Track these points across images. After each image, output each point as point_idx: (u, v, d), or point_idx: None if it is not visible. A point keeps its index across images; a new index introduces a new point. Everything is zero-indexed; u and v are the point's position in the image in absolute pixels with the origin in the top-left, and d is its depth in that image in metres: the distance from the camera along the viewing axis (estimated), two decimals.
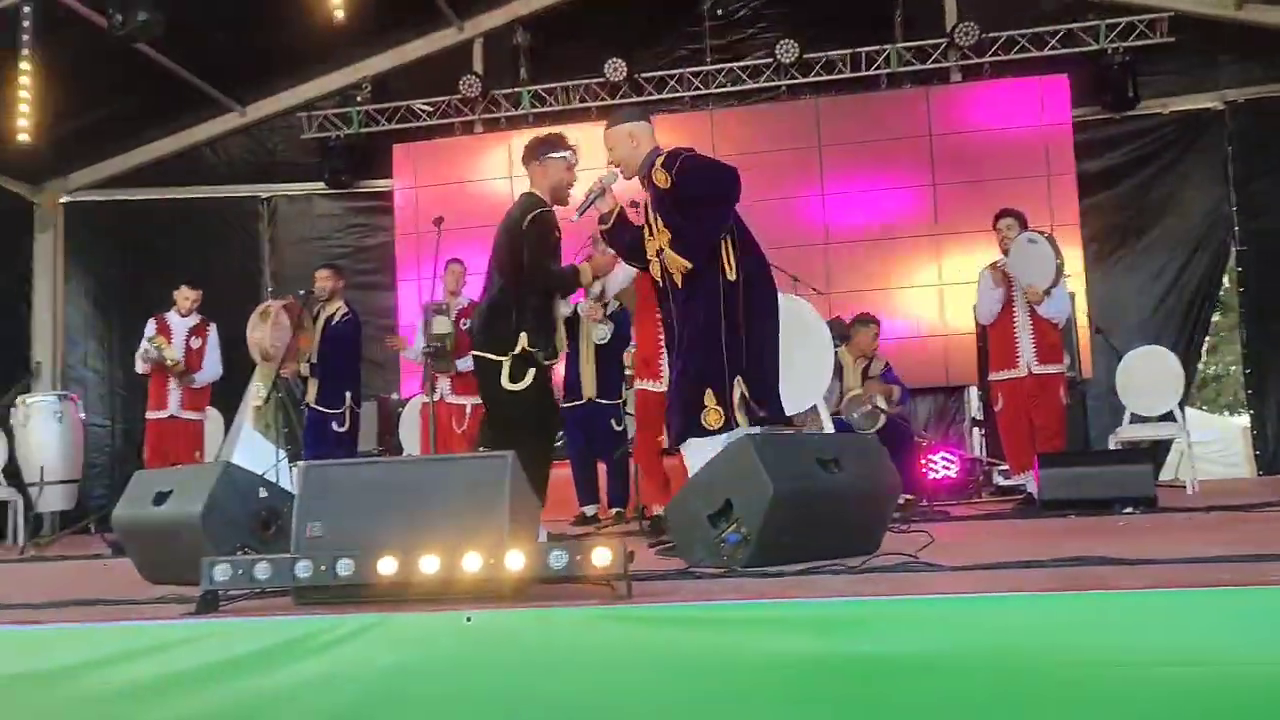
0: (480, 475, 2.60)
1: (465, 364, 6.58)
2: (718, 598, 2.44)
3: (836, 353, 5.09)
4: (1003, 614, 2.23)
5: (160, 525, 3.22)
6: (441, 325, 5.92)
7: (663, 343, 4.77)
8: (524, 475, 2.68)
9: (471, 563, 2.41)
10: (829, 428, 4.54)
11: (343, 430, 6.52)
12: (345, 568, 2.44)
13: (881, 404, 5.70)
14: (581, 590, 2.54)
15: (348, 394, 6.62)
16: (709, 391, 3.62)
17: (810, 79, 9.22)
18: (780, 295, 3.88)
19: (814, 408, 4.47)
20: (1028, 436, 5.89)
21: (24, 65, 7.24)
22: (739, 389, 3.62)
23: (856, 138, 9.11)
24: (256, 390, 9.24)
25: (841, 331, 5.80)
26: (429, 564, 2.43)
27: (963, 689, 2.14)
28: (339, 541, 2.55)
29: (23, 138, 7.43)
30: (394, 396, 8.90)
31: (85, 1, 7.55)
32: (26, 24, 7.02)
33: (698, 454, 3.53)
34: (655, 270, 3.90)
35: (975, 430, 7.88)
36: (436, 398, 6.88)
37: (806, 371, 4.50)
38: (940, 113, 9.02)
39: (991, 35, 8.88)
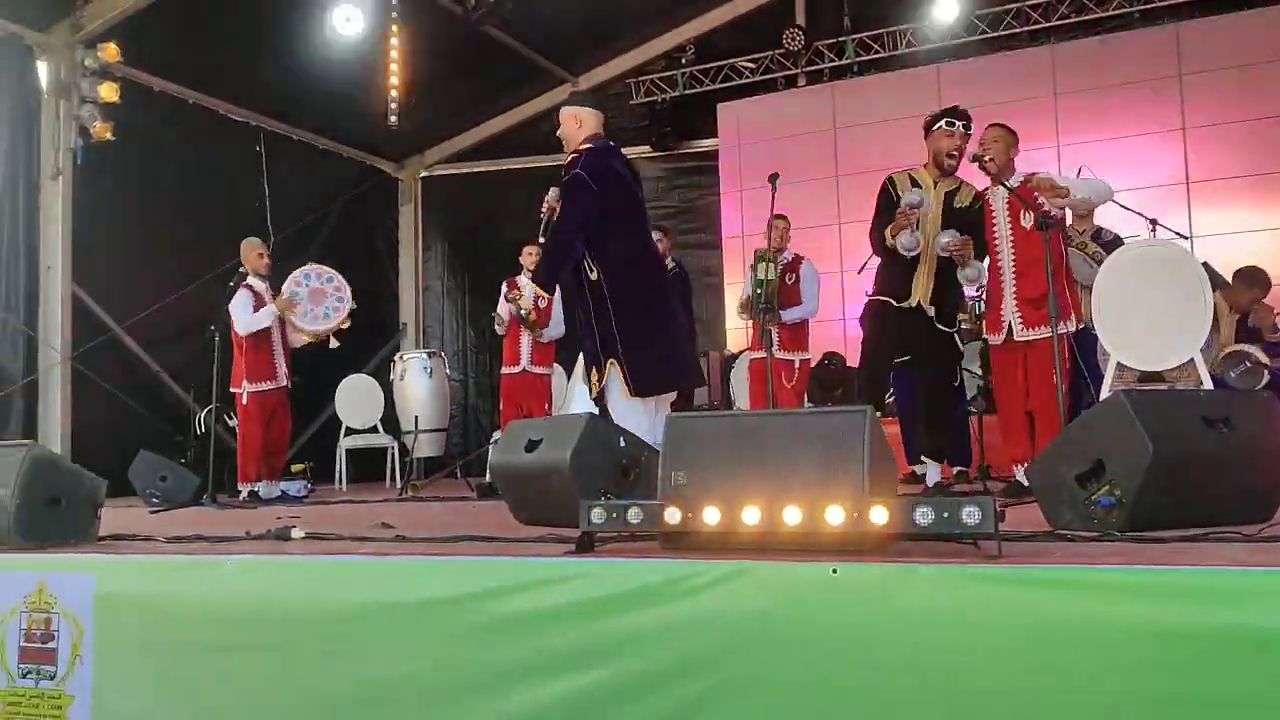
0: (839, 429, 2.59)
1: (790, 315, 6.60)
2: (1096, 561, 2.30)
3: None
4: None
5: (532, 470, 3.48)
6: (766, 271, 5.96)
7: (1004, 295, 4.73)
8: (882, 429, 2.64)
9: (834, 515, 2.42)
10: (1208, 384, 4.12)
11: None
12: (711, 515, 2.52)
13: (1262, 358, 5.11)
14: (945, 548, 2.48)
15: None
16: (593, 370, 4.38)
17: (1168, 1, 8.34)
18: (1152, 240, 3.62)
19: (1190, 362, 4.07)
20: None
21: (393, 55, 7.98)
22: (613, 370, 4.28)
23: (1223, 63, 8.15)
24: None
25: (1213, 276, 5.25)
26: (792, 515, 2.46)
27: None
28: (701, 490, 2.63)
29: (392, 120, 8.21)
30: (728, 352, 9.09)
31: None
32: (394, 14, 7.72)
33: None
34: None
35: None
36: (764, 354, 6.99)
37: (1179, 322, 4.08)
38: None
39: None
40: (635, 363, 4.29)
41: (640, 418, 4.21)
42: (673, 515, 2.57)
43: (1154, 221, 6.40)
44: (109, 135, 7.52)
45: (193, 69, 8.46)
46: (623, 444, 3.45)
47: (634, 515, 2.61)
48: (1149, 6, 8.42)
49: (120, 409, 7.77)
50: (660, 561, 2.50)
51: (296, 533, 3.41)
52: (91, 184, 7.75)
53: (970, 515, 2.31)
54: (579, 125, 4.56)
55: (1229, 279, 6.06)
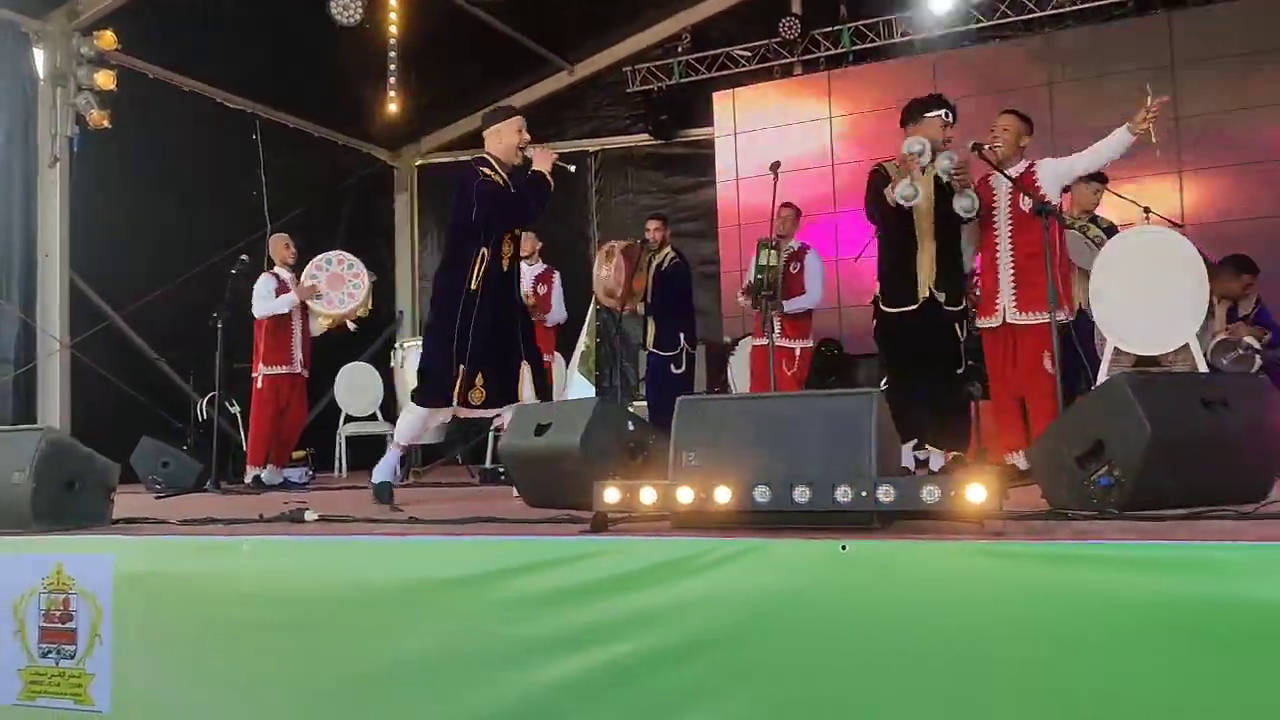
0: (848, 410, 2.65)
1: (792, 305, 6.66)
2: (1099, 537, 2.37)
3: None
4: None
5: (543, 453, 3.54)
6: (768, 258, 6.04)
7: (999, 279, 4.80)
8: (888, 412, 2.70)
9: (843, 494, 2.49)
10: (1202, 369, 4.21)
11: (680, 372, 6.82)
12: (723, 495, 2.58)
13: (1254, 344, 5.20)
14: (951, 526, 2.55)
15: (681, 336, 6.90)
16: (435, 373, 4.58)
17: None
18: (1147, 228, 3.72)
19: (1185, 346, 4.15)
20: None
21: (391, 43, 7.99)
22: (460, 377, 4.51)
23: (1217, 53, 8.22)
24: (582, 339, 9.78)
25: (1207, 264, 5.34)
26: (801, 494, 2.52)
27: None
28: (712, 470, 2.70)
29: (392, 108, 8.24)
30: (725, 340, 9.14)
31: None
32: (393, 2, 7.74)
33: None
34: None
35: None
36: (766, 340, 7.05)
37: (1176, 307, 4.18)
38: None
39: None
40: (483, 375, 4.63)
41: None
42: (685, 495, 2.63)
43: (1147, 210, 6.48)
44: (106, 124, 7.52)
45: (190, 56, 8.46)
46: (631, 427, 3.51)
47: (647, 495, 2.68)
48: None
49: (119, 397, 7.79)
50: (673, 539, 2.56)
51: (310, 515, 3.46)
52: (89, 172, 7.76)
53: (976, 494, 2.38)
54: (500, 139, 4.80)
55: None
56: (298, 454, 7.35)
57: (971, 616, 2.29)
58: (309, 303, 6.87)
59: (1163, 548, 2.20)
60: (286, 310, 6.84)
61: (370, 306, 7.21)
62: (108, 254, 7.91)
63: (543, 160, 4.67)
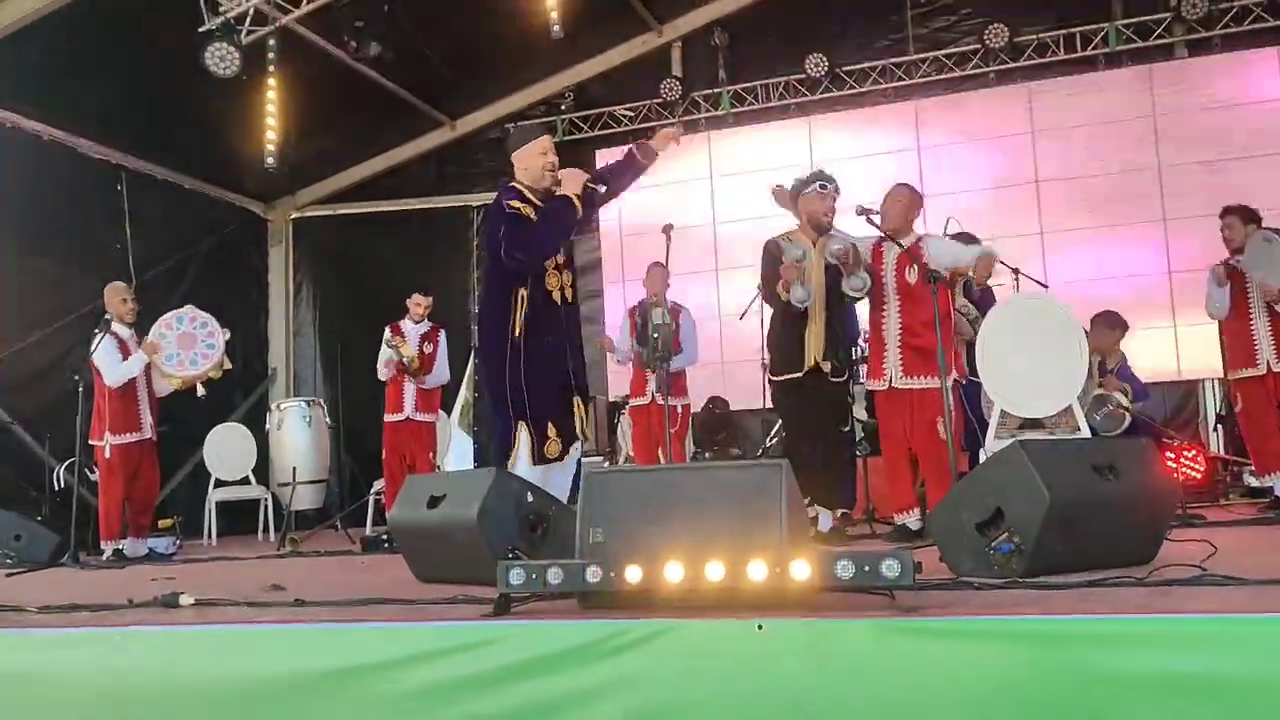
0: (756, 483, 2.62)
1: (675, 363, 6.67)
2: (1012, 611, 2.38)
3: None
4: None
5: (436, 527, 3.40)
6: (659, 316, 6.05)
7: (885, 346, 4.93)
8: (796, 483, 2.68)
9: (757, 571, 2.44)
10: (1085, 430, 4.36)
11: None
12: (634, 574, 2.50)
13: (1124, 403, 5.44)
14: (864, 600, 2.53)
15: None
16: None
17: (1021, 64, 8.88)
18: (1030, 295, 3.87)
19: (1068, 409, 4.31)
20: (1274, 436, 5.57)
21: (270, 96, 7.77)
22: (524, 433, 4.09)
23: (1072, 122, 8.71)
24: (462, 392, 9.59)
25: None
26: (715, 571, 2.46)
27: None
28: (620, 547, 2.62)
29: (270, 162, 7.98)
30: (614, 398, 9.08)
31: (318, 32, 8.06)
32: (271, 55, 7.53)
33: None
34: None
35: (1219, 427, 7.41)
36: (648, 400, 7.05)
37: (1059, 371, 4.33)
38: (1165, 91, 8.52)
39: (1221, 6, 8.36)
40: (543, 425, 4.14)
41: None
42: (594, 574, 2.54)
43: (1017, 271, 6.72)
44: None
45: (50, 104, 8.05)
46: (530, 499, 3.40)
47: (554, 575, 2.57)
48: (1004, 67, 8.92)
49: None
50: (583, 623, 2.46)
51: (185, 599, 3.23)
52: None
53: (890, 568, 2.36)
54: (524, 165, 4.46)
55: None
56: (165, 522, 6.94)
57: (892, 695, 2.26)
58: (156, 362, 6.48)
59: (1079, 622, 2.22)
60: (138, 372, 6.44)
61: (227, 367, 6.83)
62: None
63: (572, 182, 4.26)
